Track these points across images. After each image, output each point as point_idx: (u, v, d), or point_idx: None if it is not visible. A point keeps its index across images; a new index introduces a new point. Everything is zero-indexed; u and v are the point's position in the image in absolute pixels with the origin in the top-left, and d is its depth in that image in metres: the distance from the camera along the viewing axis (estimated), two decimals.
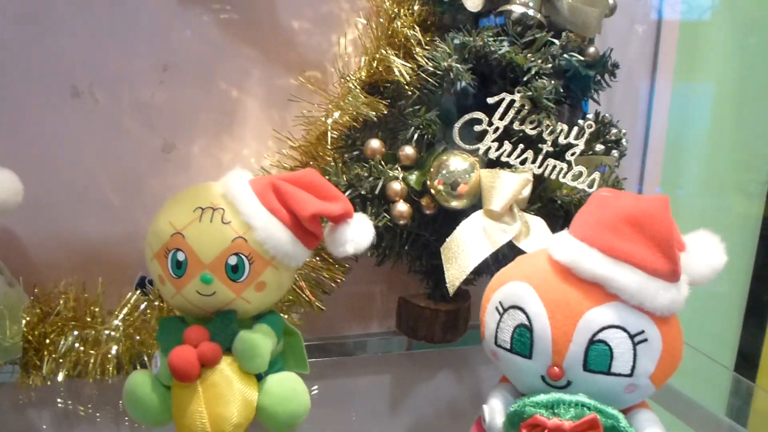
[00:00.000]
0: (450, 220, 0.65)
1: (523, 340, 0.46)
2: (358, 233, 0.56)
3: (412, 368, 0.78)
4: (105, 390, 0.65)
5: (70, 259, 0.70)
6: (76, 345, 0.63)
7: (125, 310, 0.65)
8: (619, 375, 0.44)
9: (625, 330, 0.44)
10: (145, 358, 0.65)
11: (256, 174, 0.58)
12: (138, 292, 0.67)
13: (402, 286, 0.78)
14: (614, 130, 0.68)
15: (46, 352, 0.63)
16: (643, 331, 0.44)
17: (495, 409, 0.48)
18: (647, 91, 0.91)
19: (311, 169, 0.56)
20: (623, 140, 0.69)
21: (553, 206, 0.65)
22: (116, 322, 0.64)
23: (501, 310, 0.48)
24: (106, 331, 0.64)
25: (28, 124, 0.67)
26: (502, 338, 0.47)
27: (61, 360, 0.63)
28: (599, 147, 0.67)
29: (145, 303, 0.65)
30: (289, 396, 0.55)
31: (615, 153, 0.68)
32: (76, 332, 0.64)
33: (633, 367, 0.44)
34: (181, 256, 0.52)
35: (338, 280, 0.71)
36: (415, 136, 0.66)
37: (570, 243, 0.47)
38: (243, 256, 0.53)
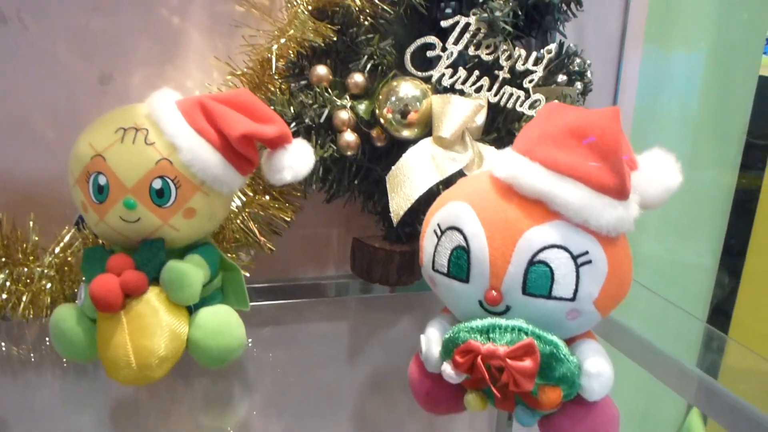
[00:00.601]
0: (403, 153, 0.61)
1: (461, 263, 0.43)
2: (296, 159, 0.52)
3: (368, 313, 0.75)
4: (40, 330, 0.62)
5: (2, 198, 0.66)
6: (7, 283, 0.60)
7: (59, 248, 0.62)
8: (561, 299, 0.41)
9: (567, 250, 0.41)
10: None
11: None
12: (74, 230, 0.63)
13: (359, 229, 0.75)
14: (578, 61, 0.64)
15: None
16: (586, 252, 0.41)
17: (431, 339, 0.45)
18: (616, 59, 0.86)
19: (244, 89, 0.53)
20: (588, 72, 0.65)
21: (510, 138, 0.61)
22: (49, 258, 0.61)
23: (439, 232, 0.44)
24: (39, 269, 0.61)
25: None
26: (440, 262, 0.44)
27: None
28: (562, 78, 0.63)
29: (79, 240, 0.62)
30: (222, 329, 0.52)
31: (578, 85, 0.64)
32: (6, 270, 0.60)
33: (575, 291, 0.41)
34: (102, 180, 0.49)
35: (288, 220, 0.67)
36: (368, 66, 0.62)
37: (510, 158, 0.43)
38: (168, 180, 0.49)
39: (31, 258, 0.61)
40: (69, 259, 0.61)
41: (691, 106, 0.98)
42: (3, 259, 0.60)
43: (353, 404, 0.60)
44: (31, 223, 0.62)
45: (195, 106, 0.50)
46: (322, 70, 0.61)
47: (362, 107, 0.61)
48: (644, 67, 0.85)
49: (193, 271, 0.51)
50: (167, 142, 0.49)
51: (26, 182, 0.66)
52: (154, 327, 0.49)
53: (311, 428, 0.55)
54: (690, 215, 1.02)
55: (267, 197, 0.67)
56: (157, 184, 0.49)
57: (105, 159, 0.49)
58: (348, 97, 0.61)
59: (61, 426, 0.55)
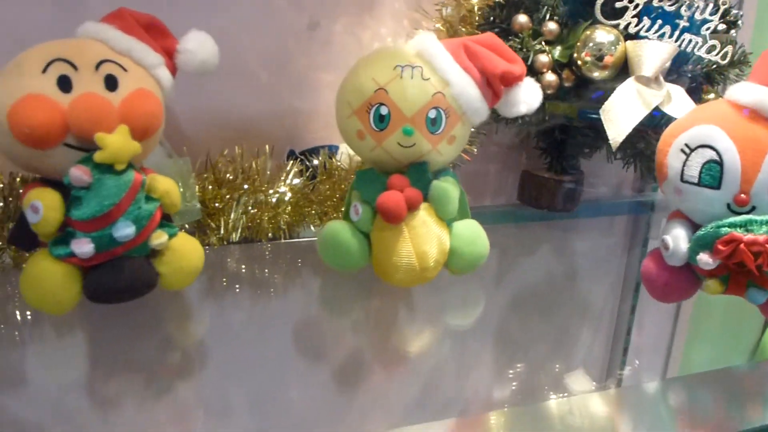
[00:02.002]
0: (587, 92, 0.71)
1: (713, 174, 0.53)
2: (529, 95, 0.61)
3: (529, 238, 0.85)
4: (276, 250, 0.70)
5: (221, 134, 0.73)
6: (249, 208, 0.68)
7: (289, 177, 0.69)
8: None
9: None
10: (308, 222, 0.70)
11: None
12: (297, 161, 0.71)
13: (514, 165, 0.84)
14: (733, 11, 0.74)
15: (220, 216, 0.67)
16: None
17: (679, 237, 0.55)
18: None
19: (491, 33, 0.61)
20: (740, 21, 0.75)
21: (681, 80, 0.71)
22: (283, 188, 0.69)
23: (688, 150, 0.54)
24: (276, 195, 0.68)
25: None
26: (689, 174, 0.54)
27: (234, 223, 0.68)
28: (722, 26, 0.73)
29: (311, 169, 0.70)
30: (475, 239, 0.61)
31: (733, 33, 0.74)
32: (246, 197, 0.68)
33: None
34: (384, 111, 0.57)
35: (474, 151, 0.75)
36: (547, 16, 0.71)
37: (754, 88, 0.53)
38: (441, 110, 0.57)
39: (265, 186, 0.69)
40: (305, 186, 0.69)
41: None
42: (246, 187, 0.68)
43: (498, 323, 0.69)
44: (267, 151, 0.70)
45: (460, 47, 0.58)
46: (523, 18, 0.70)
47: (556, 51, 0.70)
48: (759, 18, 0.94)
49: (453, 190, 0.60)
50: (440, 77, 0.57)
51: (243, 120, 0.73)
52: (428, 236, 0.58)
53: (464, 345, 0.62)
54: None
55: None
56: (432, 113, 0.57)
57: (387, 92, 0.57)
58: (543, 42, 0.70)
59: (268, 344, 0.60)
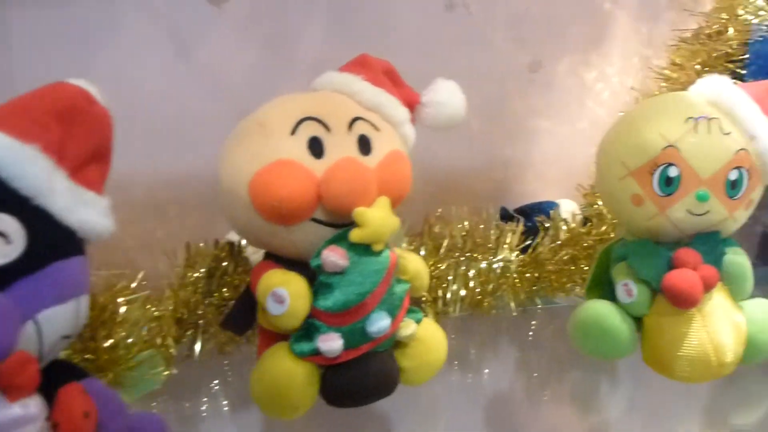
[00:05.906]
0: None
1: None
2: None
3: None
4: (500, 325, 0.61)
5: (425, 189, 0.65)
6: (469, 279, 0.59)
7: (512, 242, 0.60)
8: None
9: None
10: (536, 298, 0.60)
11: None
12: (516, 222, 0.62)
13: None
14: None
15: (438, 287, 0.59)
16: None
17: None
18: None
19: None
20: None
21: None
22: (507, 253, 0.60)
23: None
24: (496, 265, 0.59)
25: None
26: None
27: (454, 295, 0.59)
28: None
29: (542, 235, 0.60)
30: None
31: None
32: (465, 266, 0.59)
33: None
34: (673, 172, 0.47)
35: None
36: None
37: None
38: (743, 170, 0.47)
39: (491, 253, 0.60)
40: (538, 254, 0.59)
41: None
42: (467, 254, 0.59)
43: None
44: (491, 215, 0.61)
45: (766, 94, 0.48)
46: None
47: None
48: None
49: (749, 265, 0.49)
50: (743, 130, 0.47)
51: (448, 173, 0.65)
52: (725, 322, 0.47)
53: None
54: None
55: None
56: (733, 175, 0.47)
57: (679, 150, 0.47)
58: None
59: None
